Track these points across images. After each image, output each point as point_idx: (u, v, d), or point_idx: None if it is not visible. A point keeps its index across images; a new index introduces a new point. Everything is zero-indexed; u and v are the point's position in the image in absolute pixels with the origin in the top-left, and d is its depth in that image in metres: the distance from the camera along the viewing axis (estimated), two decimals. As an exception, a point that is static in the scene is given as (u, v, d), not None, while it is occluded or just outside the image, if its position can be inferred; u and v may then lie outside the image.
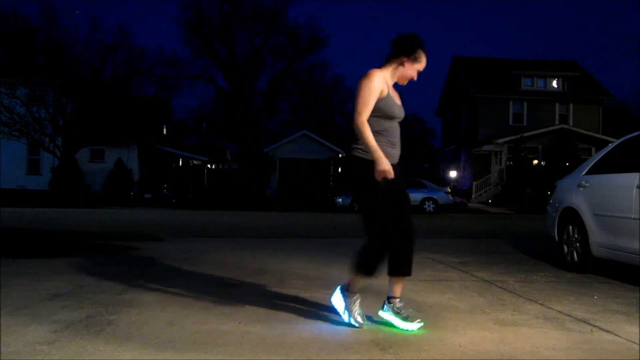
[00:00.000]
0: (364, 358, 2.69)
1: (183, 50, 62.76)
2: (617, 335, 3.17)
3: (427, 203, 21.39)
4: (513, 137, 27.69)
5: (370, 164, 3.02)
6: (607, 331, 3.26)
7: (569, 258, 5.71)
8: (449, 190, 23.23)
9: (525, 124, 29.61)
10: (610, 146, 5.72)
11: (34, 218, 13.15)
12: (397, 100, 3.26)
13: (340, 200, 22.03)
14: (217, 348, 2.79)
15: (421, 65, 3.25)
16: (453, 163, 33.79)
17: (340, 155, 29.71)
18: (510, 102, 30.21)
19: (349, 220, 15.24)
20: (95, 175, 25.61)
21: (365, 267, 3.19)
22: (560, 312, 3.75)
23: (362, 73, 3.15)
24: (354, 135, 3.11)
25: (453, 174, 32.05)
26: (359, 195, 3.25)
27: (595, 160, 5.79)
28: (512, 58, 34.25)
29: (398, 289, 3.30)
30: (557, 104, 30.25)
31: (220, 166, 35.15)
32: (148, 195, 24.77)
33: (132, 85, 25.70)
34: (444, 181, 30.72)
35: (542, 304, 3.98)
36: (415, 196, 21.57)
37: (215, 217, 14.87)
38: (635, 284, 4.82)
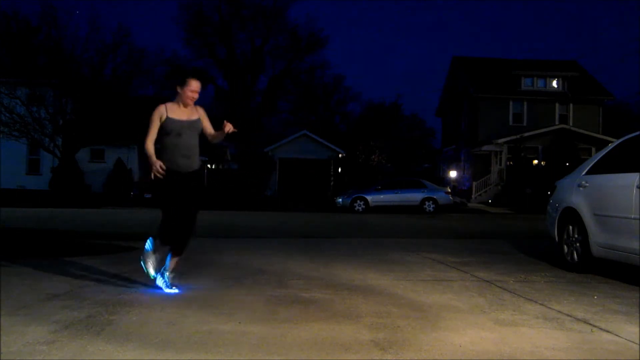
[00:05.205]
0: (364, 358, 2.69)
1: (183, 50, 62.83)
2: (617, 335, 3.16)
3: (427, 203, 21.39)
4: (513, 137, 27.68)
5: (168, 171, 4.02)
6: (607, 331, 3.26)
7: (569, 258, 5.71)
8: (449, 190, 23.18)
9: (525, 124, 29.59)
10: (611, 146, 5.72)
11: (33, 218, 13.14)
12: (183, 117, 4.17)
13: (340, 200, 22.02)
14: (217, 348, 2.79)
15: (191, 86, 4.18)
16: (453, 163, 33.76)
17: (340, 155, 29.72)
18: (511, 102, 30.19)
19: (349, 220, 15.24)
20: (95, 175, 25.57)
21: (162, 237, 4.19)
22: (560, 312, 3.75)
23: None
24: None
25: (453, 174, 32.02)
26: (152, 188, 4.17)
27: (595, 161, 5.78)
28: (513, 58, 34.24)
29: (172, 264, 4.28)
30: (557, 104, 30.23)
31: (220, 166, 35.10)
32: (148, 195, 24.73)
33: (132, 85, 25.68)
34: (444, 181, 30.67)
35: (542, 304, 3.98)
36: (415, 196, 21.56)
37: (215, 217, 14.85)
38: (635, 284, 4.81)
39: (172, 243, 4.20)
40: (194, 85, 4.21)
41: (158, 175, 3.98)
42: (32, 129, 22.95)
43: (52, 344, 2.80)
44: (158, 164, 3.98)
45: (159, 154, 4.12)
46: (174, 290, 4.19)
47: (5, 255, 5.88)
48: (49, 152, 23.84)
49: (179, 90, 4.20)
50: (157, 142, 4.14)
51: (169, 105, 4.20)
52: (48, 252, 6.21)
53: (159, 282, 4.23)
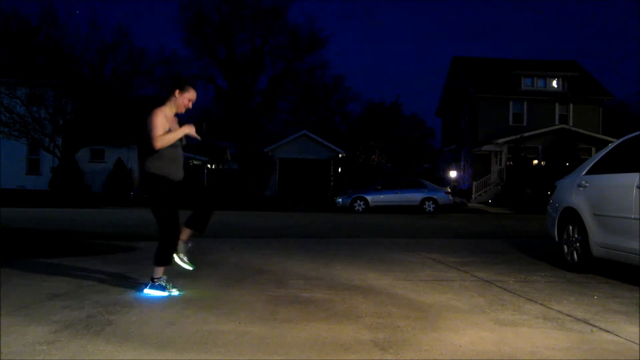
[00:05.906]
0: (364, 358, 2.69)
1: (183, 50, 62.82)
2: (617, 335, 3.17)
3: (427, 203, 21.38)
4: (513, 137, 27.67)
5: (162, 178, 4.02)
6: (607, 331, 3.26)
7: (569, 258, 5.71)
8: (449, 190, 23.16)
9: (525, 124, 29.59)
10: (611, 146, 5.72)
11: (33, 218, 13.14)
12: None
13: (340, 200, 22.01)
14: (217, 348, 2.79)
15: (190, 94, 4.17)
16: (453, 163, 33.76)
17: (340, 155, 29.73)
18: (511, 102, 30.18)
19: (349, 220, 15.24)
20: (95, 175, 25.55)
21: (165, 259, 4.10)
22: (560, 312, 3.75)
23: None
24: (149, 157, 4.02)
25: (453, 174, 32.02)
26: (154, 201, 4.11)
27: (596, 161, 5.78)
28: (513, 58, 34.23)
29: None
30: (557, 104, 30.22)
31: (220, 166, 35.10)
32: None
33: (132, 85, 25.66)
34: (444, 181, 30.67)
35: (542, 304, 3.98)
36: (415, 196, 21.55)
37: (215, 217, 14.87)
38: (635, 284, 4.82)
39: (173, 248, 4.21)
40: (193, 94, 4.20)
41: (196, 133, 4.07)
42: (32, 129, 22.94)
43: (52, 344, 2.80)
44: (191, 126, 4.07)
45: (155, 163, 4.03)
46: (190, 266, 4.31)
47: (6, 255, 5.88)
48: (49, 152, 23.84)
49: (177, 94, 4.13)
50: (152, 152, 4.02)
51: (167, 113, 4.12)
52: (48, 252, 6.21)
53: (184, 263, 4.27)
